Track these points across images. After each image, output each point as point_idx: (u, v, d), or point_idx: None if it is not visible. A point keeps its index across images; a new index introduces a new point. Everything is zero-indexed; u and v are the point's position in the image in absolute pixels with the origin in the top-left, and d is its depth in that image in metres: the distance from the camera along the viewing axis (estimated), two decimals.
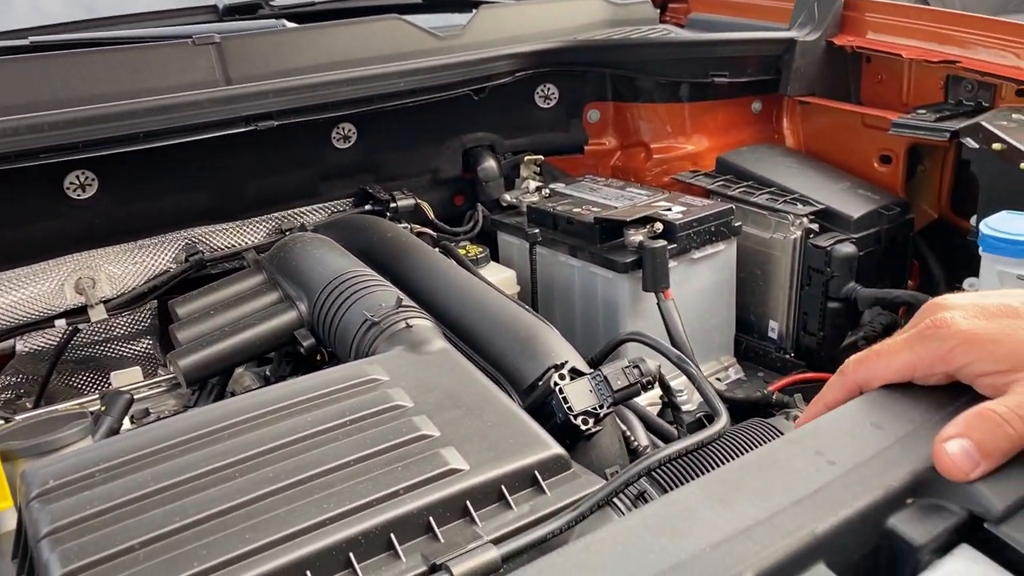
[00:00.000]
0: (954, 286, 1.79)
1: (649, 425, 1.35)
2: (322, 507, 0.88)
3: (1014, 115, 1.66)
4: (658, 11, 2.41)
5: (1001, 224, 1.28)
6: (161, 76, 1.54)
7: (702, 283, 1.75)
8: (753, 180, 1.89)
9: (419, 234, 1.84)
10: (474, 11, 1.97)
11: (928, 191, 1.98)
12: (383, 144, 1.86)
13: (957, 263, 1.88)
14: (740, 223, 1.75)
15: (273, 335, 1.31)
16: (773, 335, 1.84)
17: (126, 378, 1.62)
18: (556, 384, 1.12)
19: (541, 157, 2.02)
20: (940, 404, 0.71)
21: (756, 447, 1.11)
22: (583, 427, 1.10)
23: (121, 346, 1.78)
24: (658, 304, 1.60)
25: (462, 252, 1.79)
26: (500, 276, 1.78)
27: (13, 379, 1.72)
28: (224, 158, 1.68)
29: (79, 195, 1.56)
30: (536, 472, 0.96)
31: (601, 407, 1.11)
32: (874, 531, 0.63)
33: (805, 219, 1.73)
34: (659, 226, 1.65)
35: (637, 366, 1.14)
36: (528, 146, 2.04)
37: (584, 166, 2.13)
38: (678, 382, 1.67)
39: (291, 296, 1.34)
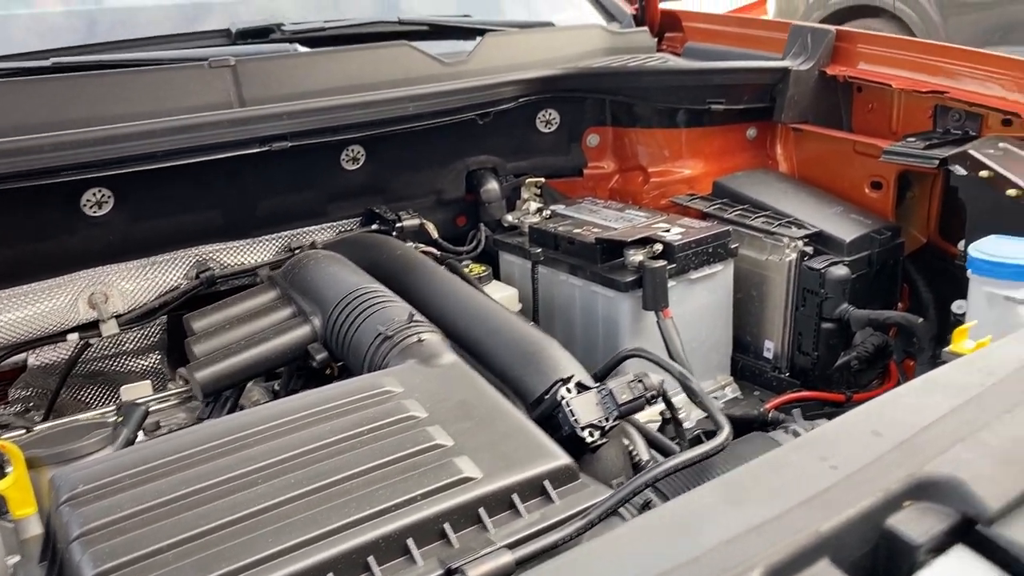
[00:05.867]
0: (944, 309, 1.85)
1: (650, 440, 1.39)
2: (343, 512, 0.91)
3: (1000, 143, 1.73)
4: (655, 40, 2.47)
5: (989, 247, 1.33)
6: (179, 97, 1.59)
7: (700, 303, 1.79)
8: (749, 204, 1.95)
9: (424, 253, 1.89)
10: (479, 39, 2.02)
11: (917, 217, 2.04)
12: (390, 166, 1.91)
13: (945, 286, 1.93)
14: (737, 245, 1.80)
15: (287, 349, 1.35)
16: (768, 355, 1.89)
17: (136, 392, 1.64)
18: (563, 397, 1.16)
19: (542, 179, 2.07)
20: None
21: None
22: (589, 439, 1.14)
23: (130, 361, 1.81)
24: (658, 323, 1.64)
25: (465, 271, 1.83)
26: (503, 294, 1.83)
27: (23, 392, 1.75)
28: (236, 178, 1.73)
29: (95, 212, 1.60)
30: (546, 481, 1.00)
31: (607, 420, 1.16)
32: (874, 531, 0.68)
33: (800, 242, 1.78)
34: (658, 247, 1.69)
35: (641, 380, 1.18)
36: (529, 169, 2.09)
37: (583, 188, 2.18)
38: (678, 399, 1.72)
39: (305, 311, 1.38)
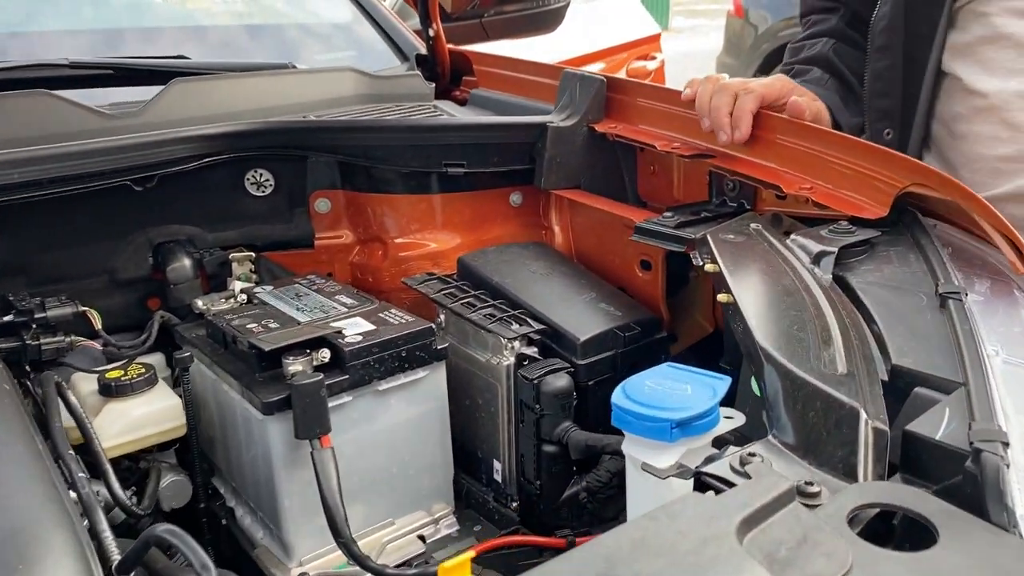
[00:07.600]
0: None
1: None
2: None
3: (753, 224, 1.40)
4: (433, 86, 2.14)
5: (636, 388, 0.97)
6: None
7: (399, 418, 1.44)
8: (488, 288, 1.60)
9: (82, 347, 1.53)
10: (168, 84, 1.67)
11: (701, 301, 1.71)
12: (32, 241, 1.54)
13: (732, 385, 1.60)
14: (446, 345, 1.45)
15: None
16: (497, 478, 1.53)
17: None
18: None
19: (251, 254, 1.71)
20: None
21: None
22: None
23: None
24: (312, 454, 1.28)
25: (118, 373, 1.46)
26: (160, 405, 1.45)
27: None
28: None
29: None
30: None
31: None
32: None
33: (516, 342, 1.43)
34: (326, 353, 1.34)
35: None
36: (240, 240, 1.74)
37: (318, 263, 1.82)
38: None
39: None
